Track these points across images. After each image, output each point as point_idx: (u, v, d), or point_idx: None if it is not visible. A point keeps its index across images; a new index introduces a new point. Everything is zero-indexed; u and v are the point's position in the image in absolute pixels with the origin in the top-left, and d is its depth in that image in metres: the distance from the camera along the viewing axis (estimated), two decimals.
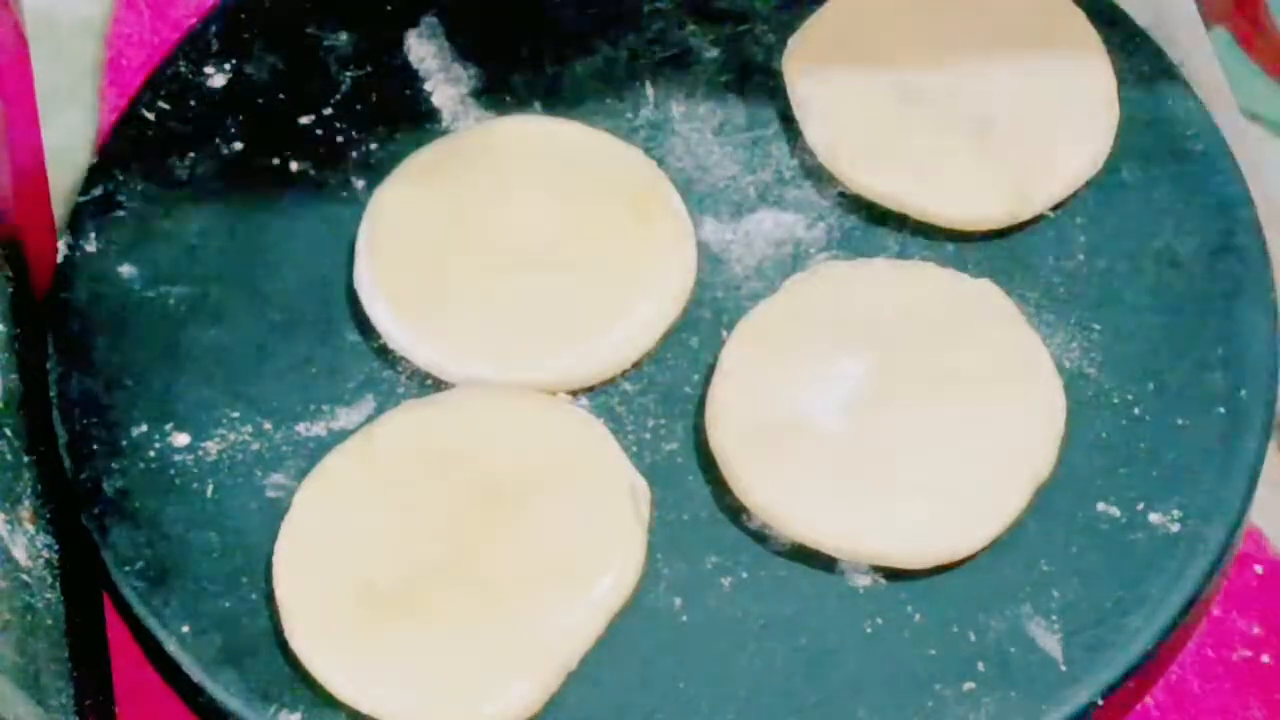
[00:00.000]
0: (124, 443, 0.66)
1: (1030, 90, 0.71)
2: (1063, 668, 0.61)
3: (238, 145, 0.72)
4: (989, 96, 0.70)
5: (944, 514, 0.62)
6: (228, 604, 0.63)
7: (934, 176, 0.69)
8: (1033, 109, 0.70)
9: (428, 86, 0.73)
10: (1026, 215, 0.69)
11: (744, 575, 0.63)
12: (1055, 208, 0.69)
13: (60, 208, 0.73)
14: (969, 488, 0.63)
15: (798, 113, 0.71)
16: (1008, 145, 0.69)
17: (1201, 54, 0.77)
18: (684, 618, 0.63)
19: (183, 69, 0.73)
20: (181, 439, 0.66)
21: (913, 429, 0.64)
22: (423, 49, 0.74)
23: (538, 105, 0.72)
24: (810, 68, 0.72)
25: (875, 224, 0.70)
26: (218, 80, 0.73)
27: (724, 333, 0.67)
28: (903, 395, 0.64)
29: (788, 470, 0.63)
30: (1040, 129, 0.70)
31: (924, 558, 0.62)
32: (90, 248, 0.69)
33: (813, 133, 0.70)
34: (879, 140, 0.70)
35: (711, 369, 0.66)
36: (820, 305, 0.66)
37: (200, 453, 0.66)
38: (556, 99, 0.72)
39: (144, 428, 0.66)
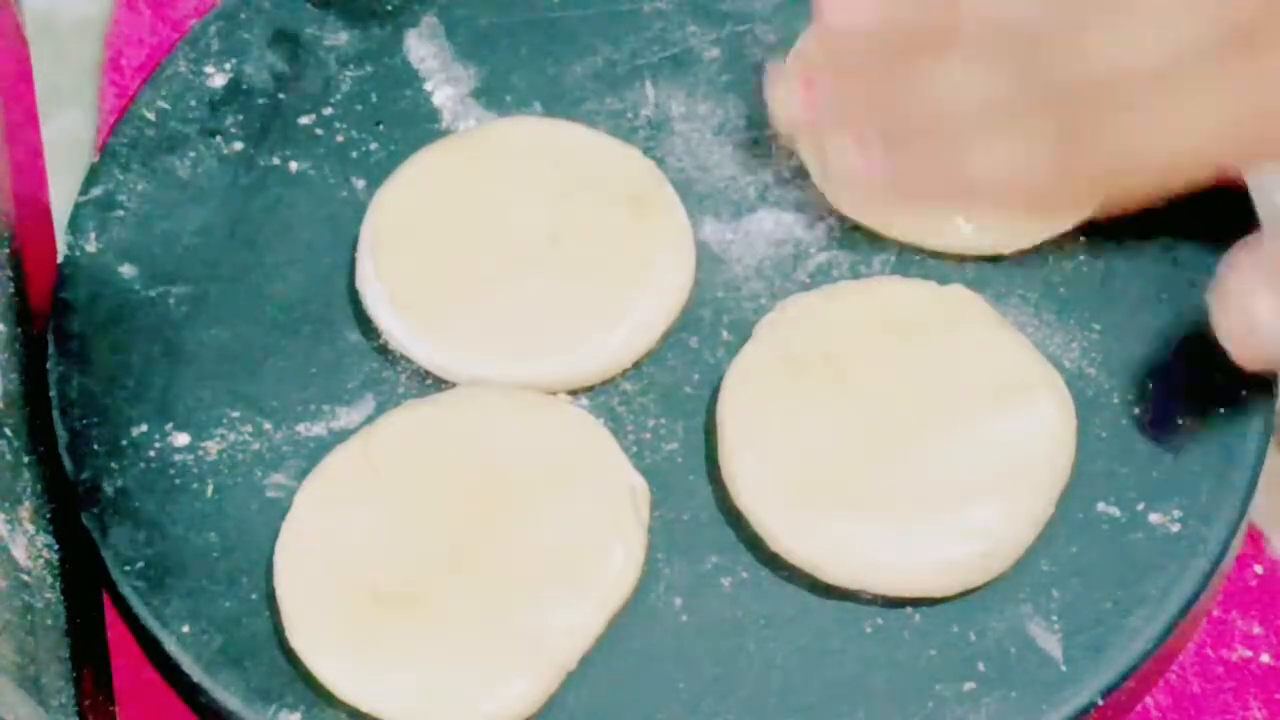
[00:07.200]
0: (124, 443, 0.66)
1: None
2: (1063, 668, 0.61)
3: (238, 145, 0.72)
4: None
5: (985, 547, 0.62)
6: (228, 604, 0.63)
7: (926, 215, 0.68)
8: None
9: (428, 86, 0.73)
10: (1023, 246, 0.68)
11: (744, 575, 0.63)
12: None
13: (60, 208, 0.73)
14: (1000, 511, 0.62)
15: None
16: None
17: None
18: (684, 618, 0.63)
19: (183, 69, 0.73)
20: (181, 439, 0.66)
21: (936, 455, 0.63)
22: (423, 49, 0.74)
23: (538, 105, 0.72)
24: None
25: None
26: (218, 80, 0.73)
27: (724, 333, 0.67)
28: (915, 422, 0.63)
29: (829, 524, 0.62)
30: None
31: (965, 585, 0.62)
32: (90, 248, 0.69)
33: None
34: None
35: (712, 369, 0.66)
36: (801, 342, 0.65)
37: (200, 453, 0.66)
38: (556, 99, 0.72)
39: (144, 428, 0.66)
